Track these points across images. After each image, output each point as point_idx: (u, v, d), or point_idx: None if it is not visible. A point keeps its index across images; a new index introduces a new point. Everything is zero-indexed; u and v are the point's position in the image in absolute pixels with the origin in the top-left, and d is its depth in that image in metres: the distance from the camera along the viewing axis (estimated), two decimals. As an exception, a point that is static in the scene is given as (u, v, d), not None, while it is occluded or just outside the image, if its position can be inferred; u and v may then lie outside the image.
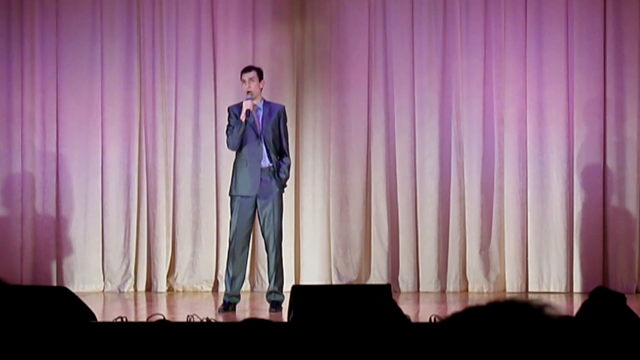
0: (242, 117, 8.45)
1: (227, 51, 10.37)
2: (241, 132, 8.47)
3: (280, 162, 8.57)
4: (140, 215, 10.39)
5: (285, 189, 8.71)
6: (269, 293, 8.63)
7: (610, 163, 9.95)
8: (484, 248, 10.10)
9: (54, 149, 10.36)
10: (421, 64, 10.20)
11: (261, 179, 8.50)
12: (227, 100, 9.43)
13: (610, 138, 9.95)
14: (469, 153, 10.11)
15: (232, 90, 9.96)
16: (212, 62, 10.39)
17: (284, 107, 8.82)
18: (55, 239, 10.33)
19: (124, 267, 10.36)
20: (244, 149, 8.52)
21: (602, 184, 9.96)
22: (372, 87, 10.28)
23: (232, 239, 8.61)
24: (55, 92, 10.36)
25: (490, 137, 10.11)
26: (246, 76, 8.60)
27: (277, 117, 8.62)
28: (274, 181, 8.53)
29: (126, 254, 10.37)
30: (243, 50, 10.32)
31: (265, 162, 8.52)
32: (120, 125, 10.38)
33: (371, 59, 10.28)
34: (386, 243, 10.20)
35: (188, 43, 10.38)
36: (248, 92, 8.54)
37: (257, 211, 8.56)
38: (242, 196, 8.53)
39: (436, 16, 10.19)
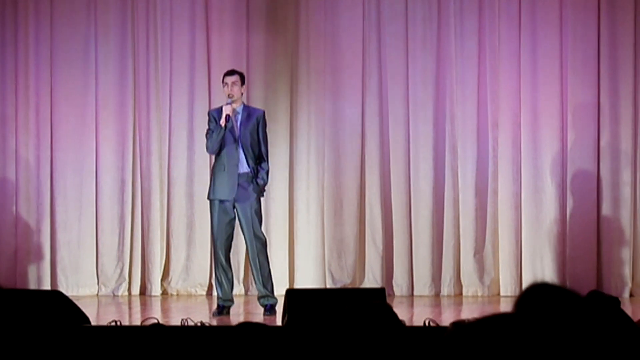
0: (222, 121, 8.46)
1: (222, 55, 10.37)
2: (220, 136, 8.48)
3: (259, 168, 8.57)
4: (134, 219, 10.38)
5: (264, 194, 8.72)
6: (260, 297, 8.63)
7: (604, 167, 9.96)
8: (478, 251, 10.10)
9: (48, 153, 10.35)
10: (415, 68, 10.20)
11: (239, 184, 8.50)
12: (222, 103, 9.42)
13: (604, 142, 9.96)
14: (463, 157, 10.12)
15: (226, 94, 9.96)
16: (206, 66, 10.39)
17: (263, 112, 8.82)
18: (49, 243, 10.32)
19: (118, 270, 10.35)
20: (222, 153, 8.54)
21: (595, 187, 9.97)
22: (367, 91, 10.28)
23: (214, 243, 8.64)
24: (50, 96, 10.35)
25: (484, 141, 10.12)
26: (229, 79, 8.61)
27: (255, 122, 8.62)
28: (251, 187, 8.53)
29: (120, 257, 10.36)
30: (237, 54, 10.32)
31: (243, 168, 8.52)
32: (115, 128, 10.38)
33: (365, 63, 10.28)
34: (380, 247, 10.20)
35: (182, 47, 10.38)
36: (230, 96, 8.55)
37: (236, 216, 8.57)
38: (220, 200, 8.54)
39: (430, 20, 10.19)
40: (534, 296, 1.87)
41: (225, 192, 8.52)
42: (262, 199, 8.72)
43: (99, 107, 10.37)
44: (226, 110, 8.47)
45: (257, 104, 9.72)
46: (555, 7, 10.03)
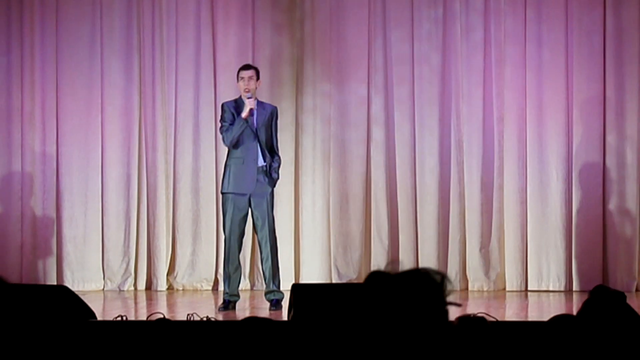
0: (245, 115, 8.46)
1: (227, 50, 10.37)
2: (242, 130, 8.49)
3: (272, 162, 8.59)
4: (140, 214, 10.39)
5: (275, 188, 8.72)
6: (268, 292, 8.62)
7: (610, 162, 9.95)
8: (484, 246, 10.10)
9: (54, 148, 10.35)
10: (421, 62, 10.19)
11: (256, 178, 8.51)
12: (227, 98, 9.42)
13: (610, 137, 9.95)
14: (468, 152, 10.11)
15: (231, 88, 9.93)
16: (212, 60, 10.38)
17: (276, 107, 8.85)
18: (55, 238, 10.33)
19: (124, 265, 10.36)
20: (241, 147, 8.53)
21: (601, 182, 9.96)
22: (372, 85, 10.27)
23: (228, 238, 8.61)
24: (55, 91, 10.36)
25: (490, 135, 10.11)
26: (246, 74, 8.61)
27: (270, 116, 8.64)
28: (267, 180, 8.54)
29: (126, 252, 10.36)
30: (242, 48, 10.32)
31: (260, 162, 8.54)
32: (120, 124, 10.38)
33: (371, 57, 10.28)
34: (386, 241, 10.20)
35: (188, 41, 10.38)
36: (247, 90, 8.54)
37: (250, 210, 8.57)
38: (236, 194, 8.53)
39: (436, 14, 10.18)
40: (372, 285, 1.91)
41: (243, 186, 8.51)
42: (274, 193, 8.70)
43: (104, 103, 10.37)
44: (250, 104, 8.47)
45: (262, 98, 9.70)
46: (561, 1, 10.01)
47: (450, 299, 1.95)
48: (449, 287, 1.92)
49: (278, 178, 8.65)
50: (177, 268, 10.37)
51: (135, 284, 10.36)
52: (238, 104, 8.59)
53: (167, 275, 10.35)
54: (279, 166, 8.64)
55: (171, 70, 10.36)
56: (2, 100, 10.35)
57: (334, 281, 10.12)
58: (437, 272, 1.95)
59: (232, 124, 8.53)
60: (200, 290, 10.27)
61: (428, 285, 1.88)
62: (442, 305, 1.89)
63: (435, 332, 1.86)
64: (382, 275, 1.93)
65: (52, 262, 10.31)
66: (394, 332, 1.86)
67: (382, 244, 10.21)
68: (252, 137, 8.53)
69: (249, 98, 8.51)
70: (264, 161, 8.55)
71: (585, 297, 3.40)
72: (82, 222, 10.36)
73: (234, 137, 8.52)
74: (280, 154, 8.76)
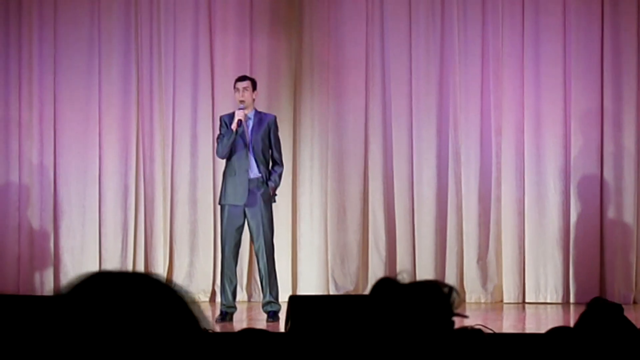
0: (234, 126, 8.47)
1: (225, 60, 10.38)
2: (231, 141, 8.49)
3: (272, 171, 8.57)
4: (137, 225, 10.38)
5: (276, 198, 8.67)
6: (265, 304, 8.61)
7: (607, 173, 9.95)
8: (482, 258, 10.09)
9: (52, 158, 10.35)
10: (419, 73, 10.20)
11: (250, 190, 8.49)
12: (225, 109, 9.42)
13: (608, 148, 9.95)
14: (466, 163, 10.11)
15: (229, 99, 9.95)
16: (210, 71, 10.39)
17: (275, 117, 8.82)
18: (52, 249, 10.31)
19: (121, 276, 10.33)
20: (233, 159, 8.54)
21: (599, 194, 9.96)
22: (370, 96, 10.28)
23: (222, 249, 8.63)
24: (53, 102, 10.36)
25: (487, 147, 10.12)
26: (240, 85, 8.63)
27: (267, 127, 8.62)
28: (261, 191, 8.52)
29: (123, 263, 10.34)
30: (240, 59, 10.32)
31: (254, 173, 8.51)
32: (118, 134, 10.38)
33: (369, 68, 10.29)
34: (383, 253, 10.19)
35: (185, 52, 10.39)
36: (241, 101, 8.56)
37: (246, 221, 8.56)
38: (230, 205, 8.54)
39: (434, 26, 10.20)
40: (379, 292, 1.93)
41: (235, 197, 8.52)
42: (272, 203, 8.65)
43: (102, 113, 10.37)
44: (238, 115, 8.49)
45: (260, 108, 9.72)
46: (559, 13, 10.02)
47: (457, 310, 1.96)
48: (456, 300, 1.93)
49: (276, 186, 8.59)
50: (174, 279, 10.35)
51: (132, 295, 10.32)
52: (233, 116, 8.60)
53: (165, 286, 10.32)
54: (279, 175, 8.61)
55: (169, 80, 10.37)
56: (0, 110, 10.35)
57: (331, 292, 10.11)
58: (446, 285, 1.96)
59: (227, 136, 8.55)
60: (198, 301, 10.24)
61: (435, 295, 1.89)
62: (449, 316, 1.90)
63: (439, 342, 1.86)
64: (390, 282, 1.93)
65: (49, 273, 10.29)
66: (398, 340, 1.86)
67: (379, 255, 10.20)
68: (244, 147, 8.53)
69: (240, 109, 8.53)
70: (259, 172, 8.53)
71: (582, 309, 3.39)
72: (80, 233, 10.35)
73: (224, 149, 8.54)
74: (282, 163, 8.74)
